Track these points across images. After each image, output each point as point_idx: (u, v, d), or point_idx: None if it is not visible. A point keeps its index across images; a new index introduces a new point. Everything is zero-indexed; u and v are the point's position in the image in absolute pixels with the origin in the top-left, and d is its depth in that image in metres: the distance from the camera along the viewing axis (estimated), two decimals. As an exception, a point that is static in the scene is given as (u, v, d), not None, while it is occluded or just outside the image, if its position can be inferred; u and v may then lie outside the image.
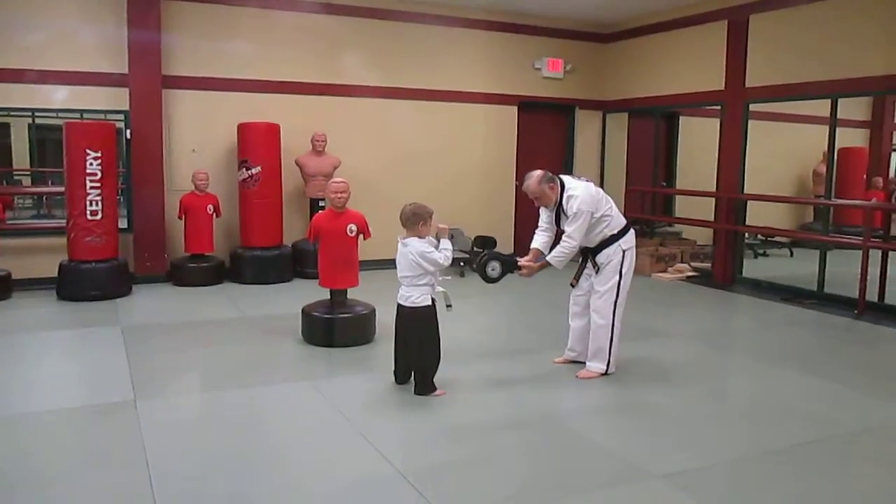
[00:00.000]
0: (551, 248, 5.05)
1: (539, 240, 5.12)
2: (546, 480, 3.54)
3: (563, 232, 4.98)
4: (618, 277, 4.97)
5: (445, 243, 4.56)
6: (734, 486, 3.57)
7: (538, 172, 4.97)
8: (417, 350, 4.57)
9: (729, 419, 4.46)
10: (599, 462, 3.74)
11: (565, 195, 4.91)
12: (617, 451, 3.85)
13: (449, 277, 4.58)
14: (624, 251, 4.99)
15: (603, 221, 4.94)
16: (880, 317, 7.07)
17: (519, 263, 5.02)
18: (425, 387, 4.55)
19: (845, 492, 3.50)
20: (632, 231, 5.09)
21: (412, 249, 4.48)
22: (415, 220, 4.52)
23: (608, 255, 4.98)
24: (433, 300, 4.57)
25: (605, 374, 5.03)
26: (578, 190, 4.89)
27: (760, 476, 3.63)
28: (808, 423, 4.34)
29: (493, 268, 4.96)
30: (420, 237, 4.52)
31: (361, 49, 9.22)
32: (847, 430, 4.27)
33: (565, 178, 5.05)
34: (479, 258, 5.01)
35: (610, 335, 4.99)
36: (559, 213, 5.00)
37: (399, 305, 4.62)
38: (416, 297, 4.52)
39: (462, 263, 8.87)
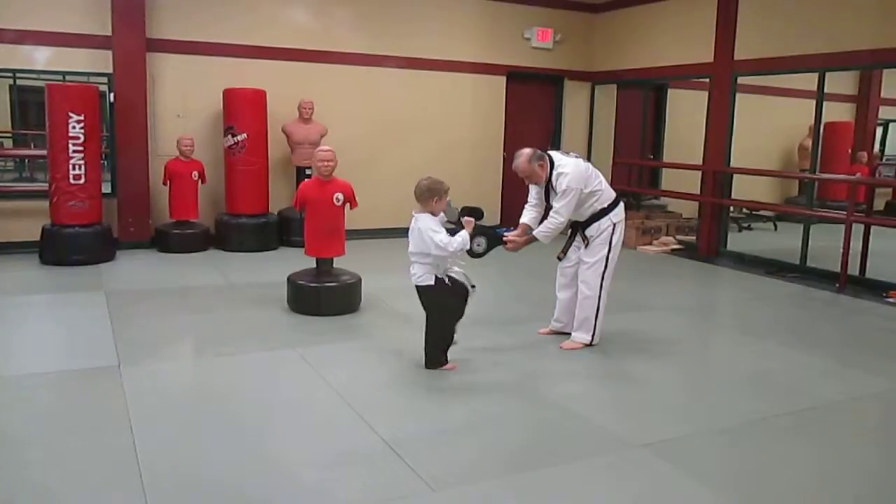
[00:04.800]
0: (540, 223, 5.06)
1: (528, 215, 5.12)
2: (530, 451, 3.58)
3: (546, 208, 5.00)
4: (607, 249, 5.00)
5: (463, 234, 4.45)
6: (715, 455, 3.62)
7: (527, 151, 4.95)
8: (428, 325, 4.55)
9: (710, 390, 4.52)
10: (582, 432, 3.78)
11: (555, 172, 4.90)
12: (600, 422, 3.89)
13: (463, 262, 4.56)
14: (614, 224, 5.00)
15: (593, 196, 4.95)
16: (861, 290, 7.15)
17: (505, 238, 5.02)
18: (432, 361, 4.54)
19: (825, 461, 3.56)
20: (622, 204, 5.11)
21: (421, 225, 4.38)
22: (429, 194, 4.40)
23: (598, 228, 4.99)
24: (437, 278, 4.45)
25: (590, 344, 5.06)
26: (568, 167, 4.88)
27: (741, 446, 3.68)
28: (789, 394, 4.40)
29: (479, 243, 4.94)
30: (433, 213, 4.43)
31: (350, 16, 9.12)
32: (827, 401, 4.33)
33: (555, 154, 5.04)
34: None
35: (596, 306, 5.02)
36: (549, 190, 5.00)
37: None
38: (419, 275, 4.46)
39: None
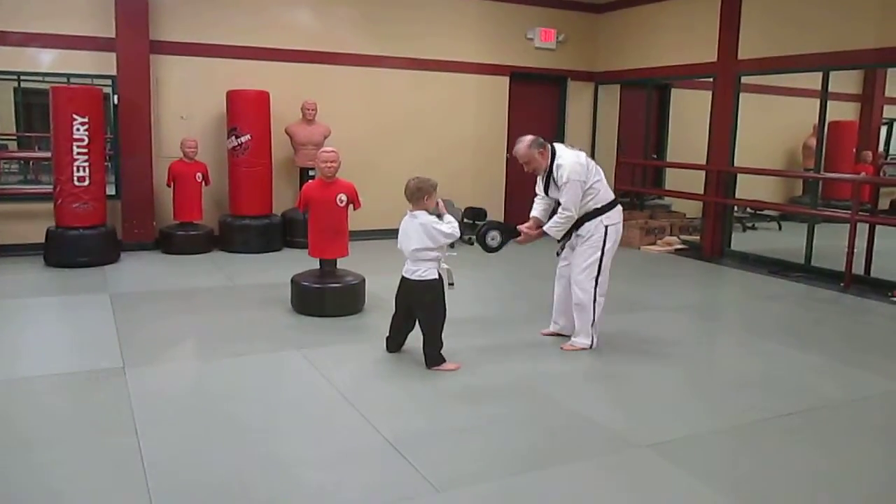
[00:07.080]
0: (550, 216, 5.07)
1: (537, 208, 5.15)
2: (534, 451, 3.58)
3: (555, 201, 5.00)
4: (599, 254, 4.93)
5: (448, 217, 4.56)
6: (720, 455, 3.61)
7: (529, 137, 4.96)
8: (426, 322, 4.59)
9: (715, 390, 4.51)
10: (587, 432, 3.77)
11: (555, 163, 4.90)
12: (604, 422, 3.89)
13: (455, 254, 4.61)
14: (606, 227, 4.94)
15: (588, 194, 4.90)
16: (866, 290, 7.14)
17: (518, 229, 5.09)
18: (436, 359, 4.56)
19: (829, 462, 3.55)
20: (618, 207, 5.05)
21: (423, 221, 4.47)
22: (419, 194, 4.51)
23: (589, 230, 4.94)
24: (439, 274, 4.57)
25: (590, 348, 5.05)
26: (567, 159, 4.88)
27: (746, 446, 3.68)
28: (794, 394, 4.39)
29: (493, 237, 5.10)
30: (426, 210, 4.53)
31: (353, 17, 9.12)
32: (832, 401, 4.33)
33: (557, 146, 5.03)
34: (478, 229, 5.12)
35: (592, 311, 4.97)
36: (549, 183, 5.00)
37: (404, 279, 4.62)
38: (422, 270, 4.52)
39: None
